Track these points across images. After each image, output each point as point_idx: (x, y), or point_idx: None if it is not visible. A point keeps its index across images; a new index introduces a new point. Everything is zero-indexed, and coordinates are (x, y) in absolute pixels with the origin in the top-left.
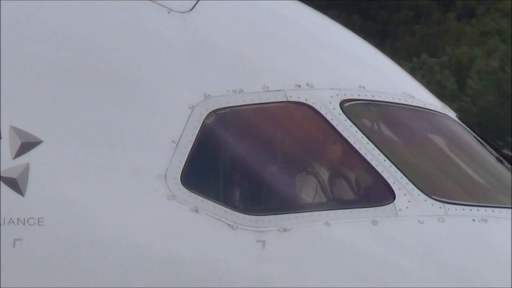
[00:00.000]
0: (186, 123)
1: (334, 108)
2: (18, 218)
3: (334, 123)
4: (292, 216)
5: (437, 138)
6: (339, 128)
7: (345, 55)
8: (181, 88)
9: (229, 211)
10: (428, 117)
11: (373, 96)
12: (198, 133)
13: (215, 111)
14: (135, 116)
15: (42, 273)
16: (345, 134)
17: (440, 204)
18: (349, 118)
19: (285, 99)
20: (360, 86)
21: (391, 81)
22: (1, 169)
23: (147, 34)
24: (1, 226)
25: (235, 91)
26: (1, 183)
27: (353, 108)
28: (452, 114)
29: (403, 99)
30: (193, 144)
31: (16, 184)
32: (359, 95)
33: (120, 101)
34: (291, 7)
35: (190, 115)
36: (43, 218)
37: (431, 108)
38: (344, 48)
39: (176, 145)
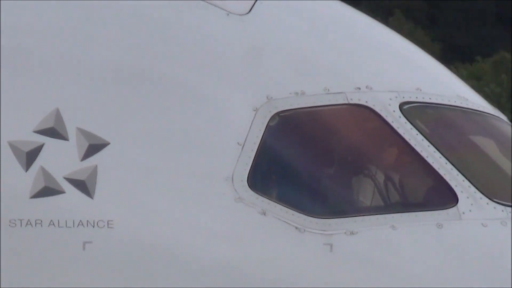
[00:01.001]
0: (251, 125)
1: (394, 111)
2: (87, 221)
3: (394, 125)
4: (358, 219)
5: (494, 141)
6: (400, 131)
7: (399, 58)
8: (244, 90)
9: (296, 214)
10: (483, 120)
11: (430, 98)
12: (263, 135)
13: (278, 113)
14: (201, 118)
15: (112, 276)
16: (406, 137)
17: (502, 207)
18: (409, 121)
19: (346, 102)
20: (417, 89)
21: (444, 83)
22: (70, 171)
23: (209, 37)
24: (71, 228)
25: (297, 93)
26: (70, 185)
27: (412, 111)
28: (504, 117)
29: (458, 101)
30: (258, 146)
31: (85, 186)
32: (416, 97)
33: (185, 104)
34: (344, 11)
35: (254, 118)
36: (112, 220)
37: (484, 111)
38: (398, 50)
39: (242, 148)
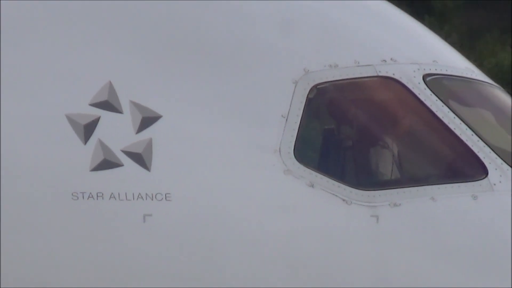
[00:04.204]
0: (292, 97)
1: (419, 83)
2: (146, 194)
3: (421, 97)
4: (400, 191)
5: (506, 112)
6: (427, 103)
7: (413, 33)
8: (283, 63)
9: (342, 186)
10: (493, 91)
11: (446, 70)
12: (304, 107)
13: (315, 86)
14: (247, 91)
15: (173, 248)
16: (433, 109)
17: None
18: (433, 93)
19: (375, 74)
20: (433, 61)
21: (454, 56)
22: (126, 144)
23: (246, 10)
24: (131, 201)
25: (331, 66)
26: (128, 158)
27: (434, 82)
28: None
29: (469, 73)
30: (301, 118)
31: (141, 159)
32: (436, 69)
33: (232, 76)
34: None
35: (294, 90)
36: (170, 193)
37: (491, 82)
38: (411, 26)
39: (286, 120)
